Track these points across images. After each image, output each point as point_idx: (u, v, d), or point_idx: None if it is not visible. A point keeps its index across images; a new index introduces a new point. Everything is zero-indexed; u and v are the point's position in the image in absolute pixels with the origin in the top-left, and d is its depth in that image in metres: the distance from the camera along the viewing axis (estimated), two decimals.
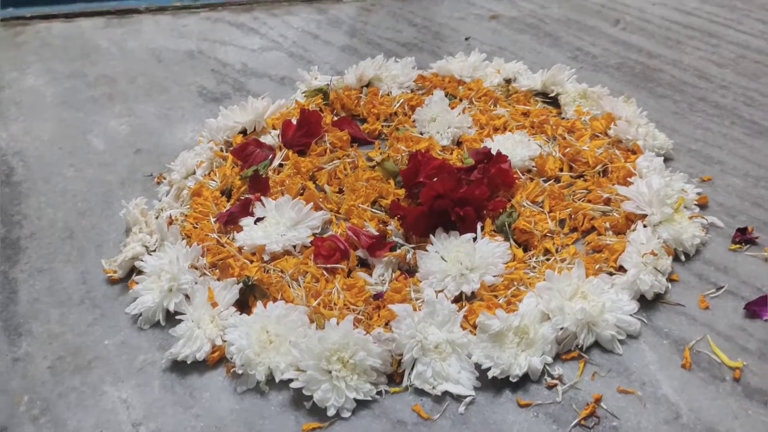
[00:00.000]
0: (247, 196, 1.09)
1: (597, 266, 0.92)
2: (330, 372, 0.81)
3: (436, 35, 1.55)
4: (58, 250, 1.08)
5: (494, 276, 0.91)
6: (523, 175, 1.09)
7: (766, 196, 1.01)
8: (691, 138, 1.14)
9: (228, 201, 1.10)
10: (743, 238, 0.94)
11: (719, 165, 1.09)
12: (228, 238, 1.03)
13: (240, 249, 1.00)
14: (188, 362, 0.86)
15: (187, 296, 0.93)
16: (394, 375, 0.84)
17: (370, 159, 1.16)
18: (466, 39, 1.50)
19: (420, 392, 0.82)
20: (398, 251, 0.97)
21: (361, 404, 0.81)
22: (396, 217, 1.01)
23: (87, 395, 0.85)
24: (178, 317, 0.90)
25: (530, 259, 0.95)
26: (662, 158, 1.07)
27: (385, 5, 1.70)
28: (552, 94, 1.26)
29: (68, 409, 0.83)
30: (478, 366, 0.82)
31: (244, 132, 1.25)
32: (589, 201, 1.02)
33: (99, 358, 0.90)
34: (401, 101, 1.28)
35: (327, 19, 1.68)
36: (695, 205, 1.01)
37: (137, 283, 0.97)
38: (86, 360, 0.90)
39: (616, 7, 1.53)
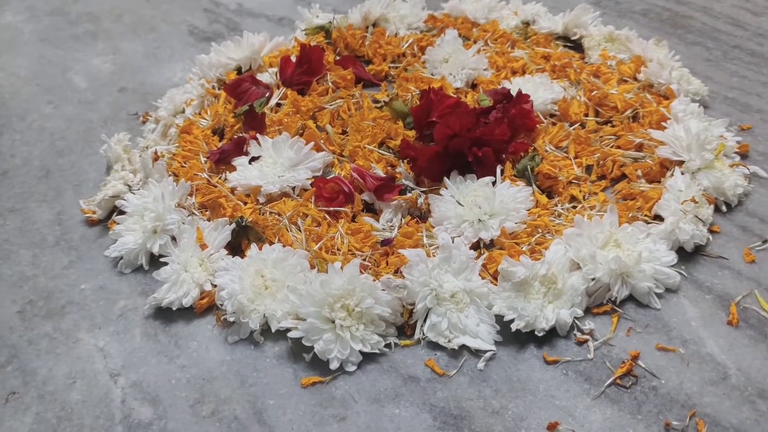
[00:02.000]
0: (241, 134, 0.99)
1: (630, 214, 0.83)
2: (333, 321, 0.72)
3: None
4: (32, 189, 0.98)
5: (516, 223, 0.82)
6: (545, 119, 0.99)
7: None
8: (727, 86, 1.05)
9: (221, 140, 1.00)
10: None
11: (759, 114, 1.00)
12: (219, 179, 0.93)
13: (233, 190, 0.90)
14: (173, 309, 0.77)
15: (173, 238, 0.83)
16: (404, 326, 0.75)
17: (376, 101, 1.06)
18: None
19: (434, 346, 0.73)
20: (409, 195, 0.87)
21: (367, 357, 0.72)
22: (406, 159, 0.92)
23: (59, 342, 0.75)
24: (162, 260, 0.81)
25: (555, 206, 0.86)
26: (697, 105, 0.98)
27: None
28: (575, 38, 1.16)
29: (38, 356, 0.74)
30: (499, 318, 0.73)
31: (238, 70, 1.15)
32: (619, 147, 0.93)
33: (74, 303, 0.80)
34: (410, 41, 1.18)
35: None
36: (735, 153, 0.92)
37: (118, 223, 0.87)
38: (59, 305, 0.80)
39: None
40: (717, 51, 1.13)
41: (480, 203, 0.82)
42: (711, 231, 0.82)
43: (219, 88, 1.11)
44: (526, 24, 1.21)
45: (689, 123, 0.90)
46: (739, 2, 1.24)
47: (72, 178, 1.00)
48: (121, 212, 0.89)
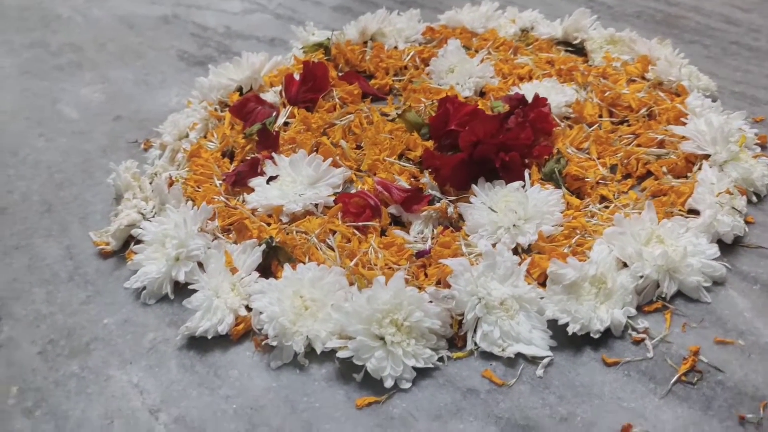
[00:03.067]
0: (254, 155, 0.96)
1: (665, 209, 0.82)
2: (383, 338, 0.69)
3: None
4: (35, 224, 0.93)
5: (552, 225, 0.80)
6: (560, 122, 0.99)
7: None
8: (732, 80, 1.06)
9: (231, 162, 0.97)
10: None
11: None
12: (237, 201, 0.89)
13: (253, 211, 0.87)
14: (209, 337, 0.73)
15: (199, 264, 0.80)
16: (454, 338, 0.72)
17: (384, 114, 1.04)
18: None
19: (487, 356, 0.70)
20: (437, 205, 0.85)
21: (421, 373, 0.69)
22: (429, 169, 0.90)
23: (90, 381, 0.71)
24: (190, 288, 0.77)
25: (587, 207, 0.84)
26: (710, 99, 0.98)
27: None
28: (575, 42, 1.16)
29: (68, 398, 0.69)
30: (550, 323, 0.71)
31: (239, 91, 1.12)
32: (640, 145, 0.93)
33: (98, 339, 0.76)
34: (412, 53, 1.17)
35: None
36: (756, 144, 0.92)
37: (136, 253, 0.83)
38: (83, 342, 0.75)
39: None
40: (715, 48, 1.14)
41: (514, 208, 0.81)
42: (746, 222, 0.82)
43: (221, 110, 1.08)
44: (525, 31, 1.21)
45: (710, 117, 0.90)
46: (728, 0, 1.26)
47: (77, 211, 0.95)
48: (138, 241, 0.85)
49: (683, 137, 0.89)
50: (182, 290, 0.79)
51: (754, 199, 0.85)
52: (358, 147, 0.98)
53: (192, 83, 1.16)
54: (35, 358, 0.74)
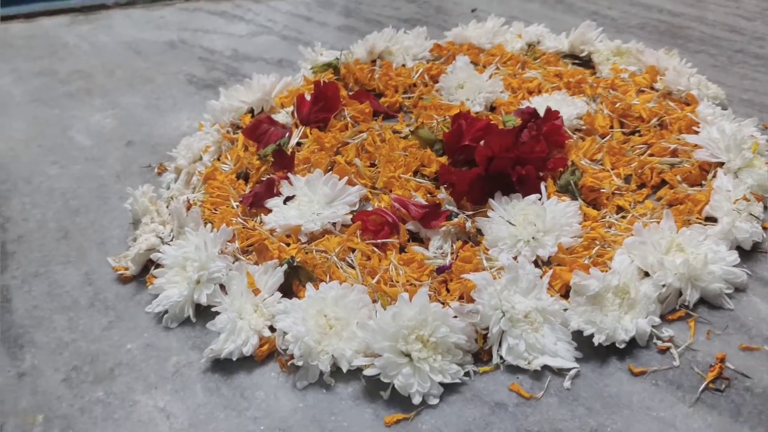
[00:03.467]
0: (269, 176, 0.96)
1: (683, 218, 0.82)
2: (409, 354, 0.69)
3: (438, 9, 1.46)
4: (53, 251, 0.93)
5: (572, 237, 0.81)
6: (572, 134, 0.99)
7: None
8: (740, 88, 1.07)
9: (246, 184, 0.98)
10: None
11: None
12: (255, 222, 0.90)
13: (272, 231, 0.87)
14: (233, 359, 0.73)
15: (220, 286, 0.80)
16: (479, 353, 0.72)
17: (396, 131, 1.05)
18: (473, 11, 1.41)
19: (513, 369, 0.70)
20: (455, 220, 0.86)
21: (448, 388, 0.69)
22: (445, 185, 0.90)
23: (115, 407, 0.71)
24: (213, 310, 0.77)
25: (604, 217, 0.85)
26: (720, 108, 0.99)
27: None
28: (582, 55, 1.17)
29: (95, 424, 0.69)
30: (575, 335, 0.71)
31: (251, 113, 1.13)
32: (653, 155, 0.93)
33: (122, 364, 0.76)
34: (420, 71, 1.18)
35: (317, 1, 1.57)
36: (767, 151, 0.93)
37: (157, 277, 0.83)
38: (107, 368, 0.75)
39: None
40: (721, 57, 1.15)
41: (533, 221, 0.81)
42: (763, 228, 0.82)
43: (233, 132, 1.09)
44: (531, 45, 1.22)
45: (722, 125, 0.91)
46: (731, 10, 1.28)
47: (94, 237, 0.96)
48: (158, 265, 0.85)
49: (696, 146, 0.90)
50: (204, 313, 0.79)
51: None
52: (372, 165, 0.99)
53: (202, 106, 1.17)
54: (60, 385, 0.74)
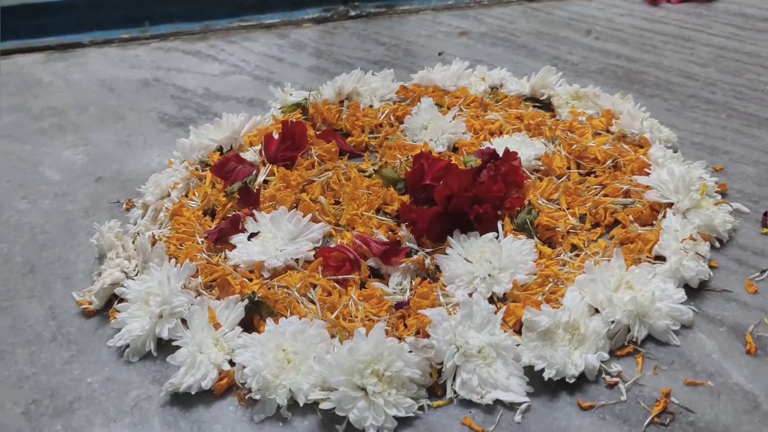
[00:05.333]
0: (235, 212, 0.98)
1: (633, 256, 0.85)
2: (364, 388, 0.70)
3: (406, 52, 1.50)
4: (18, 286, 0.94)
5: (526, 274, 0.83)
6: (530, 174, 1.03)
7: None
8: (692, 132, 1.11)
9: (212, 220, 0.99)
10: None
11: (727, 155, 1.06)
12: (219, 258, 0.91)
13: (235, 267, 0.89)
14: (192, 393, 0.74)
15: (182, 321, 0.81)
16: (434, 387, 0.74)
17: (361, 170, 1.08)
18: (440, 54, 1.46)
19: (466, 403, 0.72)
20: (415, 257, 0.88)
21: (402, 422, 0.70)
22: (406, 223, 0.93)
23: None
24: (174, 344, 0.78)
25: (558, 255, 0.88)
26: (671, 150, 1.03)
27: (348, 27, 1.65)
28: (542, 98, 1.22)
29: None
30: (527, 369, 0.73)
31: (220, 150, 1.15)
32: (607, 195, 0.97)
33: (82, 398, 0.76)
34: (386, 112, 1.21)
35: (289, 42, 1.61)
36: (716, 192, 0.96)
37: (120, 311, 0.84)
38: (66, 402, 0.76)
39: (585, 19, 1.53)
40: (675, 101, 1.20)
41: (489, 258, 0.84)
42: (710, 266, 0.85)
43: (202, 170, 1.11)
44: (494, 88, 1.26)
45: (671, 167, 0.95)
46: (685, 56, 1.33)
47: (59, 271, 0.96)
48: (121, 300, 0.86)
49: (647, 187, 0.94)
50: (165, 347, 0.80)
51: (717, 244, 0.89)
52: (337, 202, 1.01)
53: (173, 144, 1.19)
54: (19, 418, 0.74)
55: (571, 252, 0.89)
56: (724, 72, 1.26)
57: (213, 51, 1.62)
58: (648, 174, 0.96)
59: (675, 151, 1.04)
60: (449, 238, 0.89)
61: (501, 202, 0.93)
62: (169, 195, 1.06)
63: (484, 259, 0.84)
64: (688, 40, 1.39)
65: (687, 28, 1.43)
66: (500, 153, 1.01)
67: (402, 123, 1.19)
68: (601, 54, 1.38)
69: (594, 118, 1.13)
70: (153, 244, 0.91)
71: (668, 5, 1.52)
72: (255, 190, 1.00)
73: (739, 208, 0.94)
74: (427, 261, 0.88)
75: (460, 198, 0.90)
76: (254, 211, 0.96)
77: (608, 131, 1.10)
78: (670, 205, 0.91)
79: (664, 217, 0.90)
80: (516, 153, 1.00)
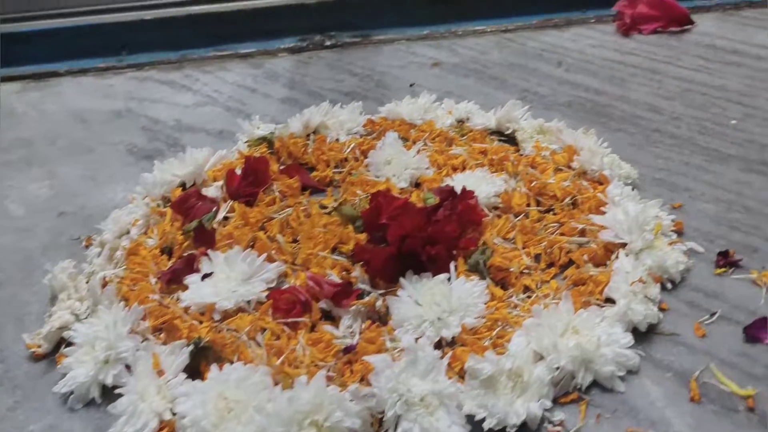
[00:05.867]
0: (190, 252, 0.98)
1: (583, 299, 0.85)
2: None
3: (378, 83, 1.50)
4: None
5: (475, 318, 0.83)
6: (489, 212, 1.02)
7: (741, 220, 0.98)
8: (654, 167, 1.11)
9: (169, 259, 0.99)
10: (727, 261, 0.90)
11: (687, 192, 1.05)
12: (171, 299, 0.91)
13: (186, 309, 0.88)
14: None
15: (128, 366, 0.80)
16: None
17: (323, 207, 1.08)
18: (411, 85, 1.46)
19: None
20: (366, 299, 0.87)
21: None
22: (360, 263, 0.92)
23: None
24: (117, 391, 0.78)
25: (510, 297, 0.87)
26: (630, 187, 1.03)
27: (323, 57, 1.66)
28: (507, 132, 1.22)
29: None
30: (470, 417, 0.73)
31: (183, 186, 1.15)
32: (563, 234, 0.96)
33: None
34: (352, 146, 1.21)
35: (263, 72, 1.62)
36: (672, 231, 0.96)
37: (67, 356, 0.84)
38: None
39: (556, 51, 1.53)
40: (639, 136, 1.20)
41: (438, 301, 0.83)
42: (661, 309, 0.85)
43: (164, 206, 1.10)
44: (461, 122, 1.26)
45: (627, 206, 0.94)
46: (653, 89, 1.34)
47: (12, 312, 0.96)
48: (70, 344, 0.85)
49: (602, 226, 0.93)
50: (111, 394, 0.79)
51: (669, 286, 0.88)
52: (295, 240, 1.01)
53: (138, 178, 1.18)
54: None
55: (524, 293, 0.88)
56: (690, 106, 1.26)
57: (187, 81, 1.62)
58: (604, 213, 0.96)
59: (634, 188, 1.04)
60: (401, 279, 0.88)
61: (455, 242, 0.92)
62: (128, 232, 1.06)
63: (433, 302, 0.83)
64: (657, 72, 1.39)
65: (657, 60, 1.44)
66: (459, 190, 1.01)
67: (367, 157, 1.18)
68: (571, 86, 1.38)
69: (557, 153, 1.13)
70: (104, 285, 0.90)
71: (640, 36, 1.52)
72: (212, 229, 1.00)
73: (693, 247, 0.94)
74: (379, 303, 0.87)
75: (413, 238, 0.90)
76: (209, 251, 0.95)
77: (569, 167, 1.09)
78: (624, 245, 0.91)
79: (617, 257, 0.89)
80: (472, 192, 0.99)
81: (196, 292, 0.90)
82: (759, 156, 1.10)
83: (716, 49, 1.45)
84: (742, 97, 1.26)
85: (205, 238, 0.98)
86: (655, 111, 1.26)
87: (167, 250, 1.01)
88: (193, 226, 1.00)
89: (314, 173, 1.18)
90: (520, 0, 1.71)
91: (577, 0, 1.69)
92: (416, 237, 0.90)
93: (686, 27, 1.55)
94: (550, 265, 0.93)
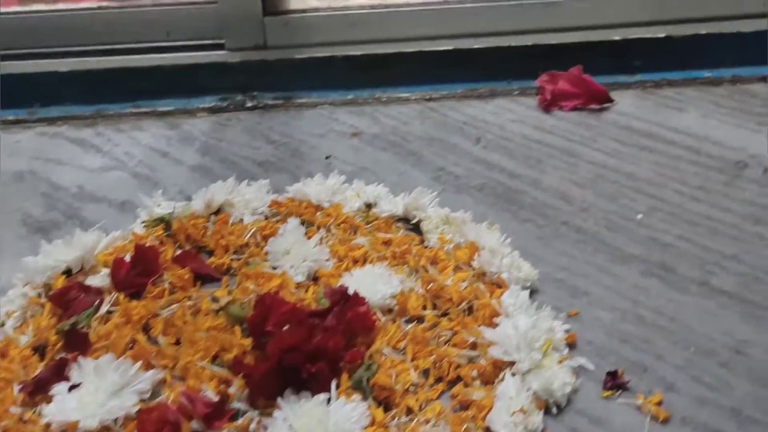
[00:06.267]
0: (62, 355, 0.92)
1: (464, 426, 0.82)
2: None
3: (294, 153, 1.47)
4: None
5: None
6: (383, 314, 0.99)
7: (632, 332, 0.96)
8: (557, 266, 1.10)
9: (41, 360, 0.93)
10: (615, 383, 0.88)
11: (585, 296, 1.04)
12: (34, 412, 0.85)
13: (47, 427, 0.83)
14: None
15: None
16: None
17: (215, 299, 1.03)
18: (327, 158, 1.43)
19: None
20: (240, 420, 0.83)
21: None
22: (240, 375, 0.88)
23: None
24: None
25: (391, 420, 0.84)
26: (528, 291, 1.01)
27: (243, 119, 1.62)
28: (414, 220, 1.19)
29: None
30: None
31: (69, 272, 1.09)
32: (455, 345, 0.94)
33: None
34: (253, 230, 1.17)
35: (178, 134, 1.56)
36: (564, 343, 0.94)
37: None
38: None
39: (478, 125, 1.52)
40: (547, 228, 1.19)
41: (313, 428, 0.79)
42: None
43: (46, 295, 1.04)
44: (369, 206, 1.23)
45: (518, 320, 0.92)
46: (566, 174, 1.33)
47: None
48: None
49: (491, 342, 0.91)
50: None
51: (554, 410, 0.86)
52: (179, 342, 0.96)
53: (29, 254, 1.12)
54: None
55: (406, 416, 0.85)
56: (601, 195, 1.26)
57: (98, 140, 1.56)
58: (496, 324, 0.94)
59: (532, 293, 1.02)
60: (279, 399, 0.84)
61: (340, 356, 0.89)
62: (3, 325, 1.00)
63: (308, 428, 0.79)
64: (573, 155, 1.39)
65: (573, 140, 1.44)
66: (351, 293, 0.97)
67: (267, 244, 1.14)
68: (486, 167, 1.37)
69: (460, 247, 1.11)
70: None
71: (560, 113, 1.52)
72: (84, 331, 0.94)
73: (584, 364, 0.92)
74: (253, 426, 0.83)
75: (294, 353, 0.86)
76: (80, 357, 0.90)
77: (470, 265, 1.07)
78: (513, 363, 0.89)
79: (503, 378, 0.87)
80: (363, 299, 0.96)
81: (60, 405, 0.85)
82: (659, 257, 1.09)
83: (632, 131, 1.46)
84: (650, 186, 1.26)
85: (77, 341, 0.93)
86: (566, 200, 1.25)
87: (41, 350, 0.95)
88: (64, 327, 0.94)
89: (212, 259, 1.13)
90: (446, 68, 1.70)
91: (503, 69, 1.68)
92: (298, 352, 0.86)
93: (606, 105, 1.55)
94: (439, 380, 0.90)
